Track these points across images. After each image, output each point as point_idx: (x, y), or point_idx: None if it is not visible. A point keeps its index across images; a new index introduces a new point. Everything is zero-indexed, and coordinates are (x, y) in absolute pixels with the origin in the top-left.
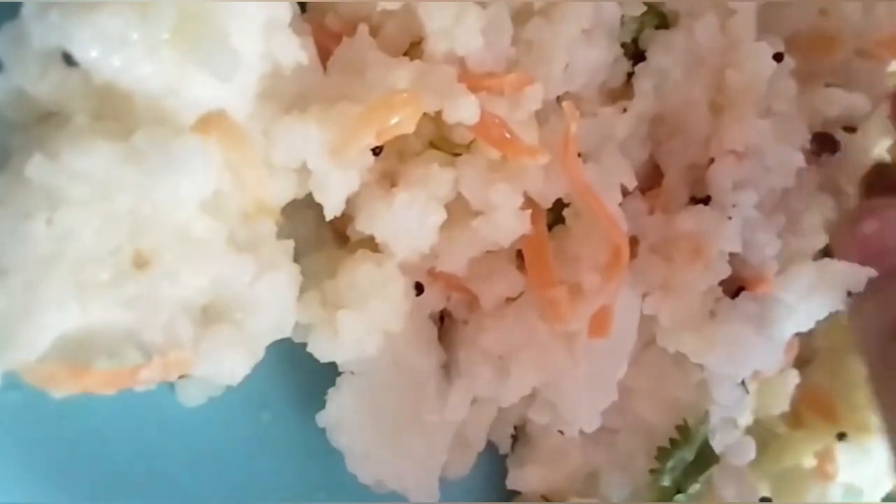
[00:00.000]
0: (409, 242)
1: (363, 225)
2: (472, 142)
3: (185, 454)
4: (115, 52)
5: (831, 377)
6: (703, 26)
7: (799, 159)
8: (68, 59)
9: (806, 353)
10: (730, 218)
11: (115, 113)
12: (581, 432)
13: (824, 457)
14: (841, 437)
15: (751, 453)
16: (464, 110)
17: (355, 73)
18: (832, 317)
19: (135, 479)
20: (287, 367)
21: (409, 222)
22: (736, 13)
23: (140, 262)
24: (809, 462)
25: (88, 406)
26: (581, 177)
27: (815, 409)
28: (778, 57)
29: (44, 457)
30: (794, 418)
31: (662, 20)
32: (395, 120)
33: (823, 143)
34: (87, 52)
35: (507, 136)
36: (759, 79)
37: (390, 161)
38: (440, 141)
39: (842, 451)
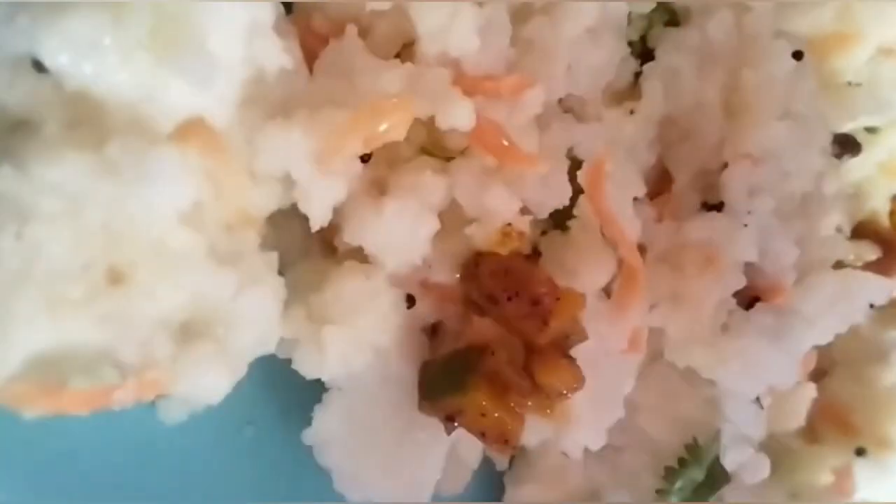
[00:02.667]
0: (400, 254)
1: (351, 236)
2: (466, 147)
3: (164, 472)
4: (86, 57)
5: (851, 389)
6: (717, 23)
7: (819, 163)
8: (38, 66)
9: (823, 364)
10: (745, 225)
11: (88, 121)
12: (585, 451)
13: (842, 473)
14: (860, 452)
15: (765, 471)
16: (458, 116)
17: (343, 77)
18: (852, 328)
19: (112, 500)
20: (272, 381)
21: (399, 233)
22: (752, 9)
23: (114, 278)
24: (825, 478)
25: (63, 425)
26: (607, 208)
27: (833, 424)
28: (798, 55)
29: (17, 478)
30: (810, 433)
31: (673, 17)
32: (384, 126)
33: (845, 145)
34: (58, 58)
35: (505, 142)
36: (777, 78)
37: (380, 168)
38: (432, 146)
39: (860, 467)
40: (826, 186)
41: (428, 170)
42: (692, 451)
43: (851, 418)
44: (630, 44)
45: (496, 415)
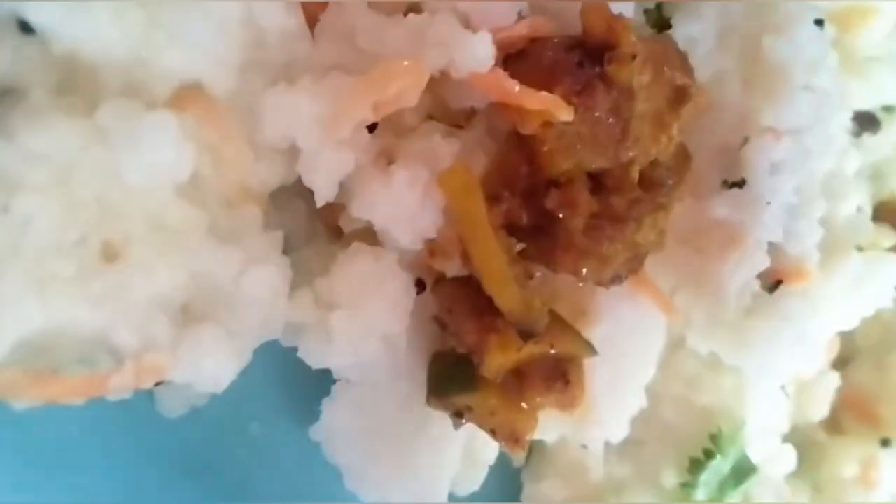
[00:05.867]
0: (410, 228)
1: (359, 210)
2: (474, 112)
3: (164, 470)
4: (76, 16)
5: (874, 378)
6: None
7: (841, 140)
8: (24, 27)
9: (845, 352)
10: (768, 203)
11: (79, 87)
12: (605, 444)
13: (867, 464)
14: (885, 443)
15: (791, 463)
16: (477, 52)
17: (346, 38)
18: (876, 313)
19: (107, 498)
20: (278, 373)
21: (409, 204)
22: None
23: (109, 255)
24: (851, 470)
25: (57, 416)
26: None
27: (857, 414)
28: (819, 22)
29: (7, 475)
30: (835, 424)
31: None
32: (395, 91)
33: (864, 123)
34: (45, 16)
35: (517, 88)
36: (799, 45)
37: (386, 137)
38: (440, 112)
39: (885, 458)
40: (848, 165)
41: (437, 134)
42: (717, 442)
43: (876, 408)
44: (646, 12)
45: (506, 414)
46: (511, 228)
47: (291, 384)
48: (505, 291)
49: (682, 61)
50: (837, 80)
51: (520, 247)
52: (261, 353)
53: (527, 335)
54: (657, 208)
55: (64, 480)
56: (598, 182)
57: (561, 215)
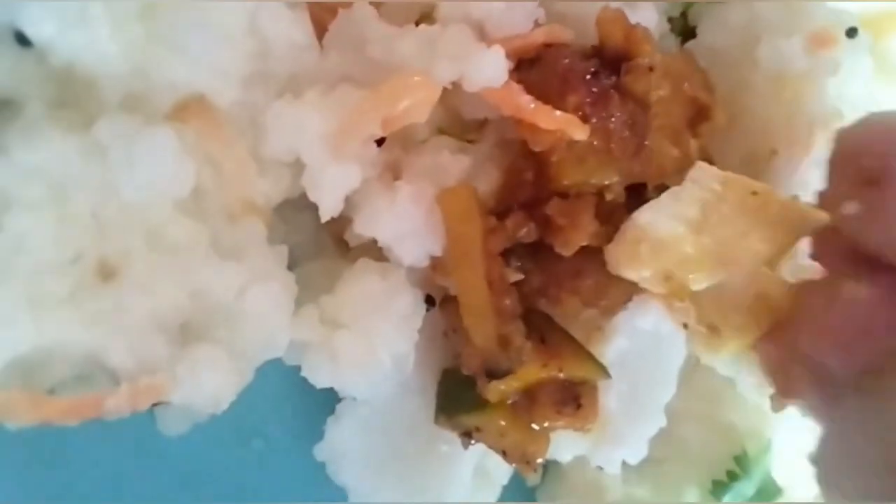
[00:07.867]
0: (416, 245)
1: (363, 226)
2: (486, 124)
3: (165, 487)
4: (74, 28)
5: None
6: None
7: None
8: (21, 39)
9: None
10: None
11: (76, 100)
12: (623, 463)
13: None
14: None
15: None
16: (489, 68)
17: (355, 49)
18: None
19: None
20: (283, 388)
21: (415, 221)
22: None
23: (105, 273)
24: None
25: (55, 433)
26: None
27: None
28: (852, 32)
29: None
30: None
31: None
32: (405, 106)
33: None
34: (42, 28)
35: (532, 105)
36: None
37: (393, 150)
38: (450, 125)
39: None
40: None
41: (445, 150)
42: (741, 463)
43: None
44: (670, 20)
45: (517, 436)
46: (518, 255)
47: (297, 400)
48: (479, 326)
49: (704, 79)
50: (871, 89)
51: (517, 277)
52: (265, 366)
53: (492, 375)
54: None
55: (60, 494)
56: (606, 213)
57: (561, 225)
